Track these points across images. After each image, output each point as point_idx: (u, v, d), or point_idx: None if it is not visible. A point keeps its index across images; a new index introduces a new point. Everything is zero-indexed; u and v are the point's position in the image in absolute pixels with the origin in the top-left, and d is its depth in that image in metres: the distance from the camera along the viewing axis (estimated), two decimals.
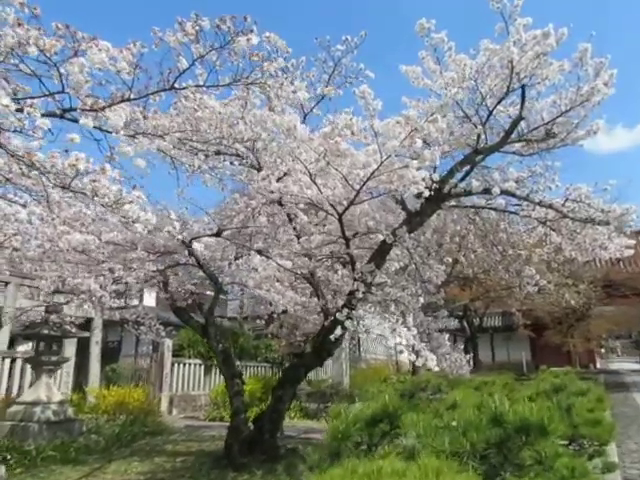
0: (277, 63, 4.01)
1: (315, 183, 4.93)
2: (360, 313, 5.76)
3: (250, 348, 20.33)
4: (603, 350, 26.59)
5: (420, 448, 3.07)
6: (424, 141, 6.17)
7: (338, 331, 5.71)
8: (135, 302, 26.23)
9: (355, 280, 6.68)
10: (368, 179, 4.56)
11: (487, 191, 6.21)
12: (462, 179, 6.60)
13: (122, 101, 3.80)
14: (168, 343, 16.09)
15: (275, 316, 13.91)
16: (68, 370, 13.80)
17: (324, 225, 6.65)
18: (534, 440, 3.09)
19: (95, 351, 17.24)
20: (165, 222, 6.50)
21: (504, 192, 6.05)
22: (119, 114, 3.48)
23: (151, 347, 22.44)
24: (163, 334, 13.91)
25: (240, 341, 19.93)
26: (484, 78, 5.65)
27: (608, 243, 6.47)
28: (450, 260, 8.45)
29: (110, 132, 3.56)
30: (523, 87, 5.10)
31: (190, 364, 17.08)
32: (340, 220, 5.38)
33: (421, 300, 9.02)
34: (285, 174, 5.35)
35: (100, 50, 3.45)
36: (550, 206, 6.01)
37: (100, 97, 3.80)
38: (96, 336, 17.30)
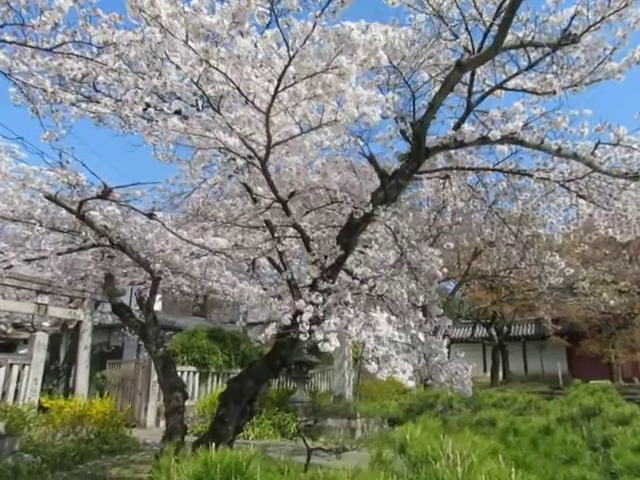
0: None
1: (217, 111, 3.36)
2: (301, 304, 4.13)
3: (253, 356, 18.76)
4: None
5: None
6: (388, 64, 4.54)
7: (268, 330, 4.10)
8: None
9: (313, 264, 5.09)
10: (276, 90, 2.94)
11: (485, 140, 4.50)
12: (455, 128, 4.90)
13: None
14: None
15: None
16: (36, 377, 12.56)
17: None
18: None
19: (83, 356, 16.00)
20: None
21: (507, 138, 4.32)
22: None
23: None
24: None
25: (242, 348, 18.46)
26: None
27: None
28: (451, 245, 6.73)
29: None
30: None
31: (183, 372, 15.60)
32: (264, 170, 3.78)
33: (420, 299, 7.33)
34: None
35: None
36: (575, 156, 4.24)
37: None
38: (85, 340, 16.07)
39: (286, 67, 2.82)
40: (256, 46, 2.83)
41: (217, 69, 2.76)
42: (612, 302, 11.19)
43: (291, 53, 2.76)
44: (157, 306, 23.38)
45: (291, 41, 2.72)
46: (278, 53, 2.81)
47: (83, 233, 5.26)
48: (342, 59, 2.75)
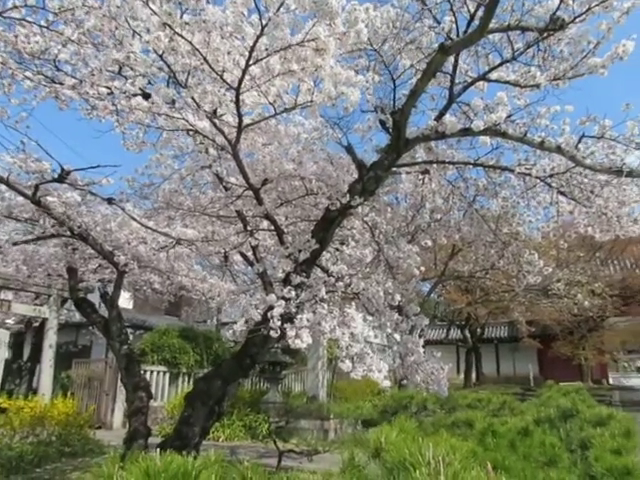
0: None
1: (183, 85, 3.10)
2: (272, 298, 3.90)
3: (226, 356, 18.29)
4: (625, 364, 24.28)
5: None
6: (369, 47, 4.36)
7: (237, 326, 3.87)
8: None
9: (287, 257, 4.87)
10: (247, 63, 2.71)
11: (467, 131, 4.35)
12: (437, 119, 4.74)
13: None
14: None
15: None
16: None
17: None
18: None
19: (48, 355, 15.37)
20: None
21: (490, 130, 4.17)
22: None
23: None
24: (131, 337, 12.20)
25: (214, 347, 18.07)
26: None
27: None
28: (429, 243, 6.59)
29: None
30: None
31: (153, 371, 15.17)
32: (235, 155, 3.54)
33: (397, 298, 7.18)
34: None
35: None
36: (558, 149, 4.13)
37: None
38: (50, 338, 15.46)
39: (258, 37, 2.59)
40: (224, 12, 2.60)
41: (182, 36, 2.52)
42: (586, 303, 11.26)
43: (264, 22, 2.54)
44: (128, 304, 22.75)
45: (263, 9, 2.50)
46: (250, 22, 2.58)
47: (41, 221, 4.92)
48: (319, 30, 2.53)
